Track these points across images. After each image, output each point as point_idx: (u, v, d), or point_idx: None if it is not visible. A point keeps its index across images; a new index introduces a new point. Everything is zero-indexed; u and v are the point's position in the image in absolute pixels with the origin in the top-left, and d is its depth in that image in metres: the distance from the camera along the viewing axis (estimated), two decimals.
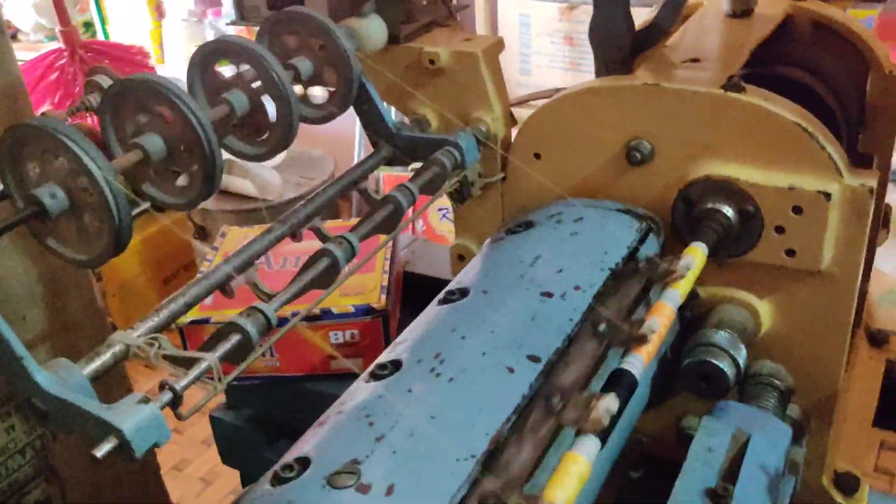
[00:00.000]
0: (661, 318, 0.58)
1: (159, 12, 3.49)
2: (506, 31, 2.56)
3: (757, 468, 0.63)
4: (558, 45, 2.52)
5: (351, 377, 1.13)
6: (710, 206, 0.72)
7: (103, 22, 3.54)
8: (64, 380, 0.51)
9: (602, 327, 0.61)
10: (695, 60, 0.78)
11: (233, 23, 0.93)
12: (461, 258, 0.92)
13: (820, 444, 0.81)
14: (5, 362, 0.50)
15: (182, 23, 3.42)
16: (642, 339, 0.56)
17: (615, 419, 0.51)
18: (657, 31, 0.79)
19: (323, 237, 0.73)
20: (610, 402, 0.51)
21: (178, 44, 3.47)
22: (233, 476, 1.33)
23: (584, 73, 2.56)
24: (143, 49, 1.76)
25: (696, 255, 0.67)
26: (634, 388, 0.55)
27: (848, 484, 0.83)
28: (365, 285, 1.12)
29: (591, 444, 0.50)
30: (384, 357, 0.63)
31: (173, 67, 2.78)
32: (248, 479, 1.29)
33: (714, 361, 0.71)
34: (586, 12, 2.44)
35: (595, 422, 0.50)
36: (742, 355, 0.72)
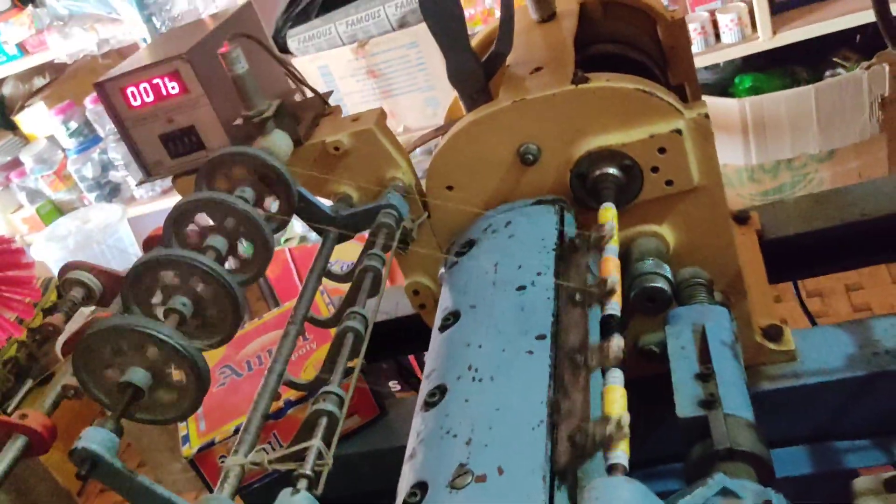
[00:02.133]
0: (615, 272, 0.76)
1: None
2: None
3: (720, 345, 0.82)
4: (364, 80, 2.70)
5: (352, 436, 1.25)
6: (598, 173, 0.91)
7: None
8: None
9: (577, 297, 0.77)
10: (538, 69, 0.96)
11: (140, 182, 1.02)
12: (416, 293, 1.06)
13: (743, 313, 1.02)
14: None
15: None
16: (612, 292, 0.73)
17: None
18: (500, 57, 0.97)
19: (320, 323, 0.86)
20: (617, 341, 0.67)
21: None
22: None
23: (397, 96, 2.75)
24: (4, 237, 1.77)
25: (609, 213, 0.86)
26: (620, 323, 0.72)
27: (774, 333, 1.05)
28: None
29: (618, 374, 0.66)
30: (425, 388, 0.77)
31: None
32: None
33: (653, 284, 0.89)
34: (377, 44, 2.64)
35: (615, 358, 0.66)
36: (667, 271, 0.91)
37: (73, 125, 3.04)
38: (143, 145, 0.99)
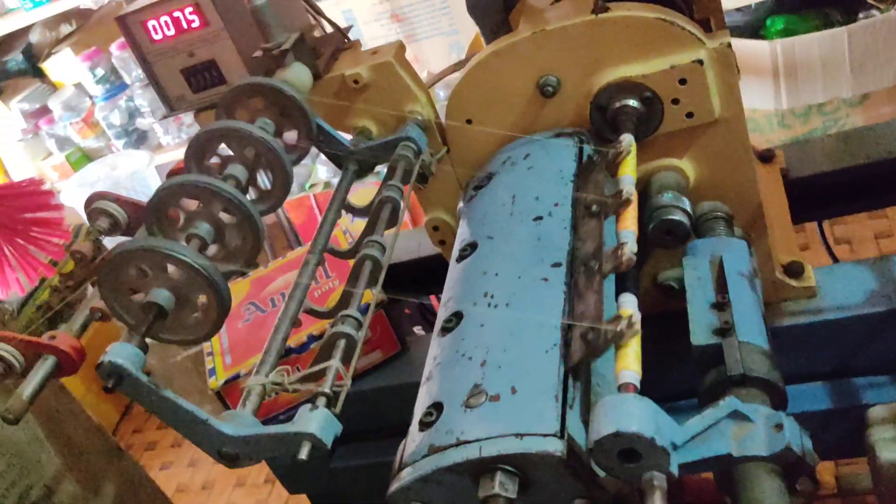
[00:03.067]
0: (629, 186, 0.76)
1: None
2: None
3: (737, 275, 0.82)
4: (388, 25, 2.67)
5: (374, 371, 1.27)
6: (618, 105, 0.90)
7: None
8: (241, 423, 0.64)
9: (594, 208, 0.78)
10: (558, 0, 0.95)
11: (164, 117, 1.03)
12: (436, 228, 1.07)
13: (764, 249, 1.01)
14: (193, 428, 0.62)
15: (19, 143, 3.37)
16: (627, 202, 0.73)
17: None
18: None
19: (340, 254, 0.87)
20: (630, 245, 0.68)
21: (22, 163, 3.42)
22: None
23: (420, 40, 2.73)
24: (32, 179, 1.81)
25: (628, 156, 0.85)
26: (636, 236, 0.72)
27: (795, 270, 1.05)
28: None
29: (630, 298, 0.67)
30: (442, 315, 0.78)
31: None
32: (318, 499, 1.42)
33: (671, 217, 0.89)
34: None
35: (628, 261, 0.67)
36: (687, 204, 0.91)
37: (100, 72, 3.05)
38: (165, 80, 1.00)
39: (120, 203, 0.85)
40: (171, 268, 0.65)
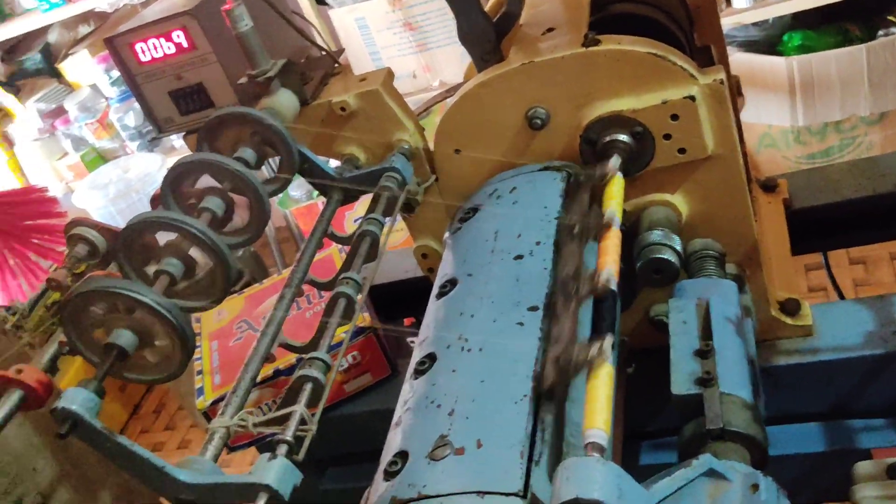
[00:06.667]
0: (615, 207, 0.75)
1: (8, 141, 3.46)
2: (349, 39, 2.68)
3: (723, 321, 0.80)
4: (400, 33, 2.66)
5: (364, 394, 1.26)
6: (608, 139, 0.88)
7: None
8: (200, 470, 0.62)
9: (577, 229, 0.76)
10: (550, 30, 0.93)
11: (153, 138, 1.03)
12: (425, 256, 1.05)
13: (759, 286, 0.99)
14: (150, 475, 0.61)
15: (35, 142, 3.40)
16: (608, 225, 0.71)
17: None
18: (512, 18, 0.94)
19: (320, 285, 0.86)
20: (610, 269, 0.66)
21: (37, 162, 3.45)
22: None
23: (432, 49, 2.71)
24: (34, 187, 1.83)
25: (614, 178, 0.83)
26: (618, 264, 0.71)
27: (791, 307, 1.02)
28: None
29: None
30: (417, 356, 0.76)
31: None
32: None
33: (659, 256, 0.87)
34: None
35: (604, 287, 0.65)
36: (677, 242, 0.89)
37: (115, 74, 3.07)
38: (153, 101, 0.99)
39: (99, 230, 0.85)
40: (132, 308, 0.64)
